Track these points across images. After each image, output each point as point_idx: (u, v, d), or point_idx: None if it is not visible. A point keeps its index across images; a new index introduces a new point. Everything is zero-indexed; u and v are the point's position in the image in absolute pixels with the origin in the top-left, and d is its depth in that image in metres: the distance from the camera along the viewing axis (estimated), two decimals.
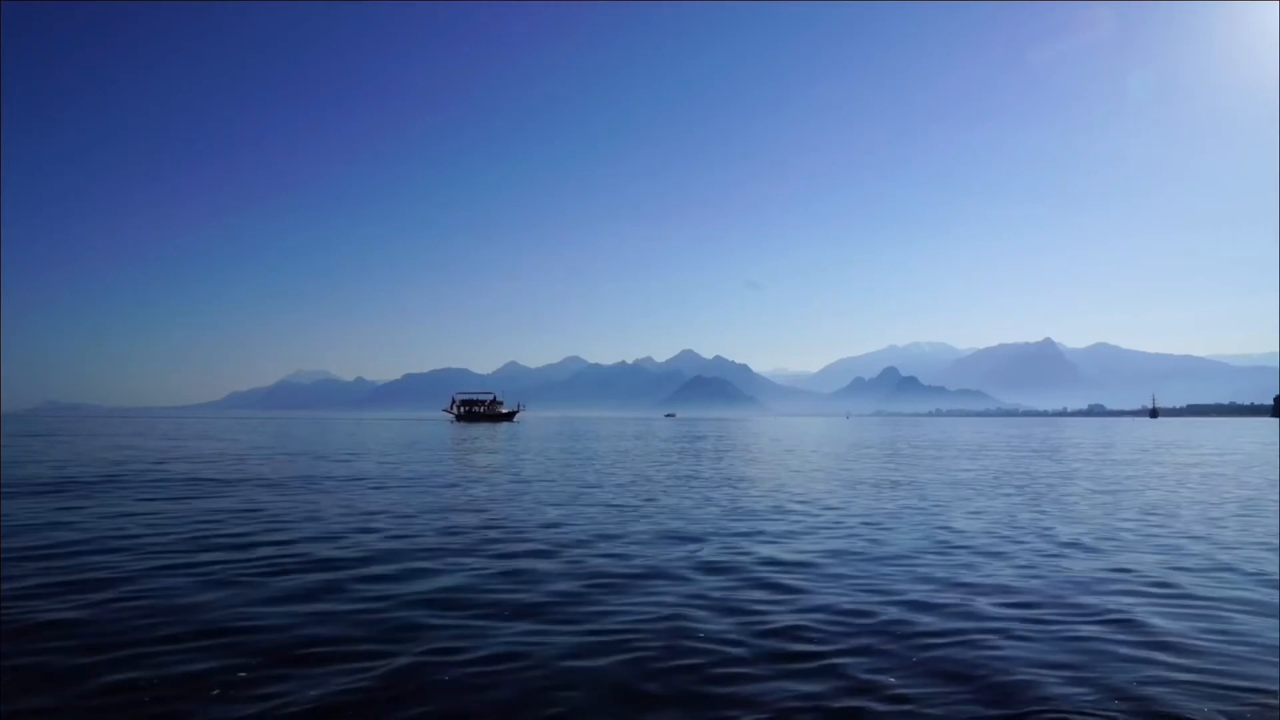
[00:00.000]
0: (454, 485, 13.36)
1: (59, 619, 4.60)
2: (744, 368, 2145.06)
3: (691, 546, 7.27)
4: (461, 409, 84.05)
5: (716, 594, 5.31)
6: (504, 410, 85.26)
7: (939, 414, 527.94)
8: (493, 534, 7.88)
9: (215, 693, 3.47)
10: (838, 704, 3.43)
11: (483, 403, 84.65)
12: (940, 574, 6.00)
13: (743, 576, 5.86)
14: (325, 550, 6.86)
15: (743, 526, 8.64)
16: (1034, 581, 5.70)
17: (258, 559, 6.37)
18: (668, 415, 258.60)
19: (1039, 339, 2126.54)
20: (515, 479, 14.58)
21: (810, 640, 4.32)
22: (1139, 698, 3.47)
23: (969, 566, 6.29)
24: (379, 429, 53.53)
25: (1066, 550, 7.07)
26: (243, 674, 3.70)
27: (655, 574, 5.98)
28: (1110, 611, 4.89)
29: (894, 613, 4.83)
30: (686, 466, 18.53)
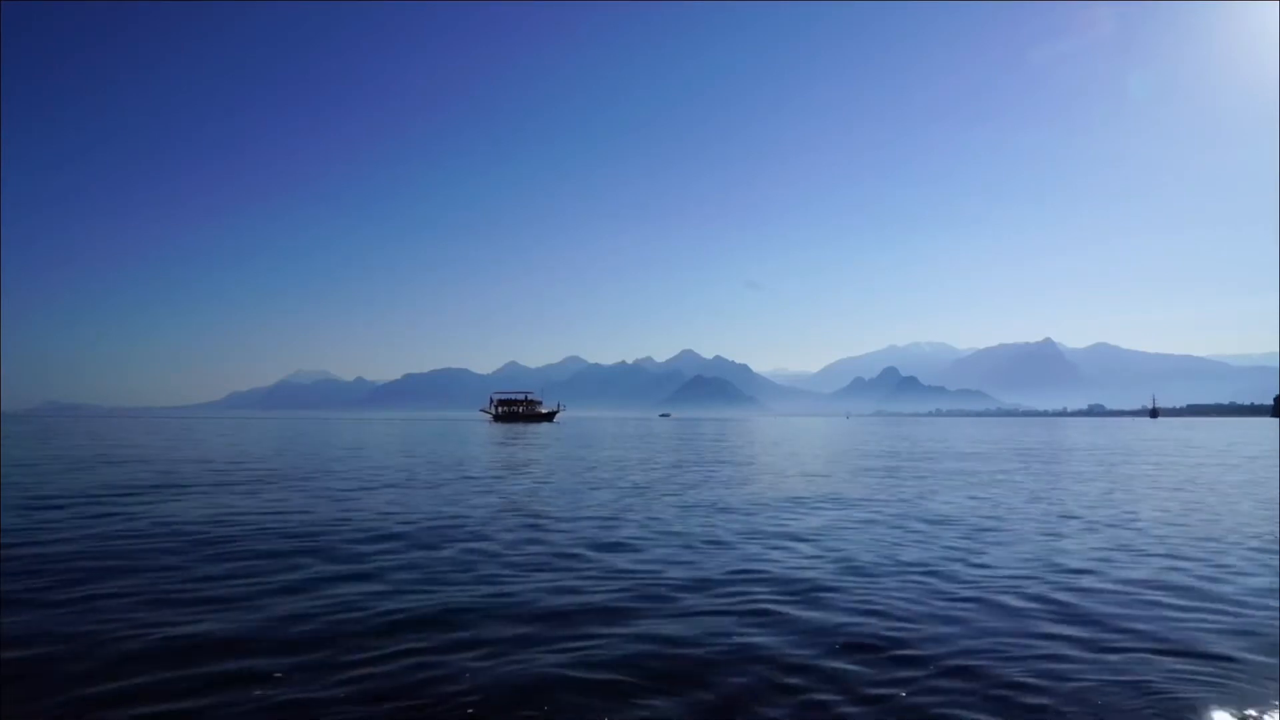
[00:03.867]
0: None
1: None
2: (744, 368, 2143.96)
3: None
4: (500, 409, 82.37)
5: None
6: (543, 410, 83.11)
7: (939, 414, 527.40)
8: None
9: None
10: None
11: (520, 403, 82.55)
12: None
13: None
14: None
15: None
16: None
17: None
18: (662, 415, 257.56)
19: (1039, 339, 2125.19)
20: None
21: None
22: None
23: None
24: (418, 431, 50.56)
25: None
26: None
27: None
28: None
29: None
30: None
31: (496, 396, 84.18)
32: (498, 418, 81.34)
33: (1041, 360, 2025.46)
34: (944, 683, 3.72)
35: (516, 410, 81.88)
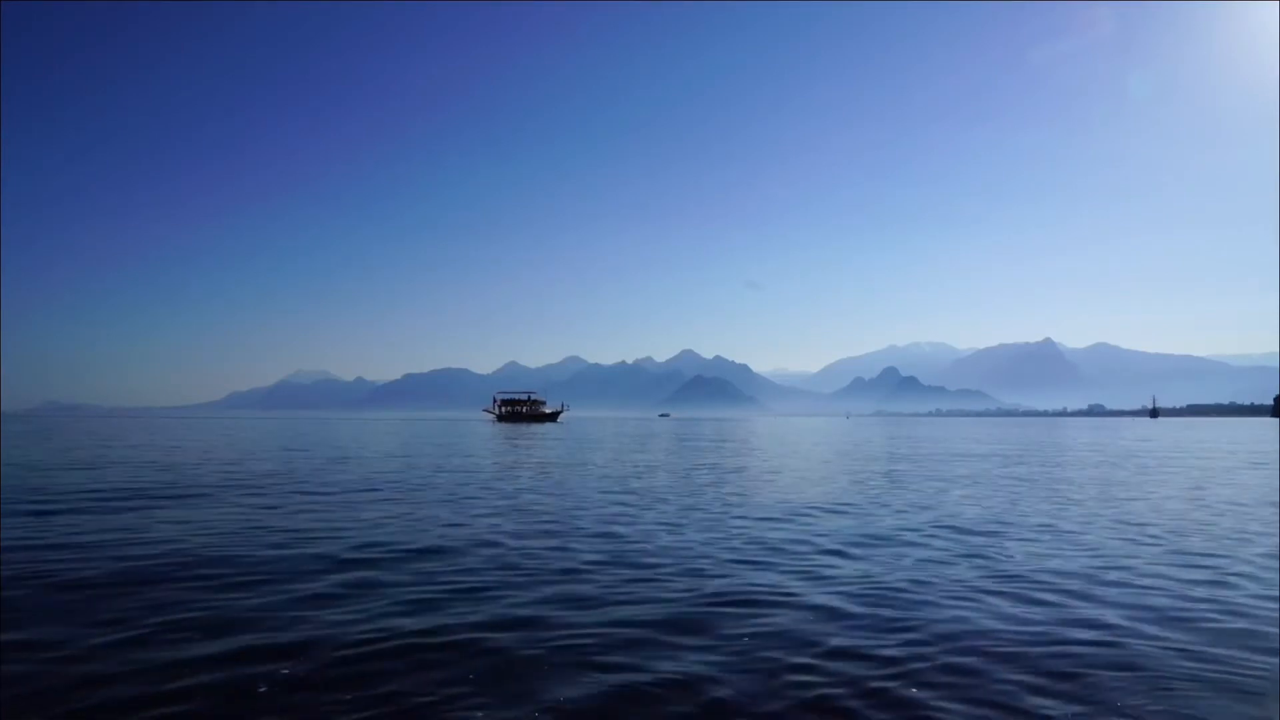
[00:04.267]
0: None
1: None
2: (744, 368, 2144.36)
3: None
4: (503, 409, 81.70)
5: None
6: (546, 410, 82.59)
7: (939, 414, 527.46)
8: None
9: None
10: None
11: (524, 403, 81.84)
12: None
13: None
14: None
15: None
16: None
17: None
18: (661, 415, 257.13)
19: (1039, 339, 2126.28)
20: None
21: None
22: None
23: None
24: (424, 431, 49.43)
25: None
26: None
27: None
28: None
29: None
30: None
31: (500, 396, 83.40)
32: (501, 418, 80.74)
33: (1041, 360, 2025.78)
34: (982, 666, 3.88)
35: (520, 410, 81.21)
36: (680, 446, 28.85)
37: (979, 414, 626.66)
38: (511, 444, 29.94)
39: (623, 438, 38.43)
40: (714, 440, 35.58)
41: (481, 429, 53.14)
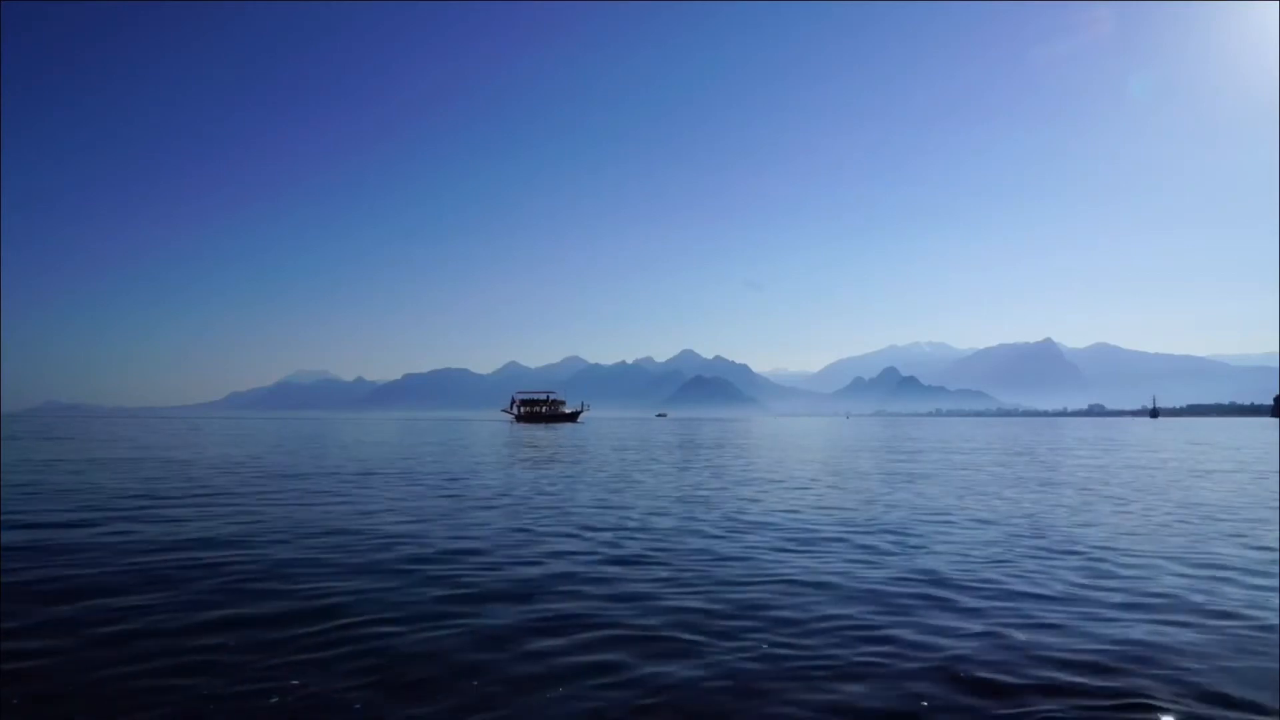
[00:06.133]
0: None
1: None
2: (744, 368, 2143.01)
3: None
4: (522, 409, 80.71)
5: None
6: (566, 410, 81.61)
7: (939, 414, 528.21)
8: None
9: None
10: None
11: (543, 403, 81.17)
12: None
13: None
14: None
15: None
16: None
17: None
18: (659, 415, 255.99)
19: (1039, 339, 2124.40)
20: None
21: None
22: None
23: None
24: (446, 432, 47.24)
25: None
26: None
27: None
28: None
29: None
30: None
31: (519, 397, 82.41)
32: (520, 418, 79.91)
33: (1041, 360, 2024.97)
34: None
35: (539, 410, 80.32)
36: (719, 454, 26.76)
37: (979, 414, 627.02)
38: (558, 451, 27.05)
39: (655, 443, 36.46)
40: (723, 443, 35.26)
41: (503, 430, 51.77)
